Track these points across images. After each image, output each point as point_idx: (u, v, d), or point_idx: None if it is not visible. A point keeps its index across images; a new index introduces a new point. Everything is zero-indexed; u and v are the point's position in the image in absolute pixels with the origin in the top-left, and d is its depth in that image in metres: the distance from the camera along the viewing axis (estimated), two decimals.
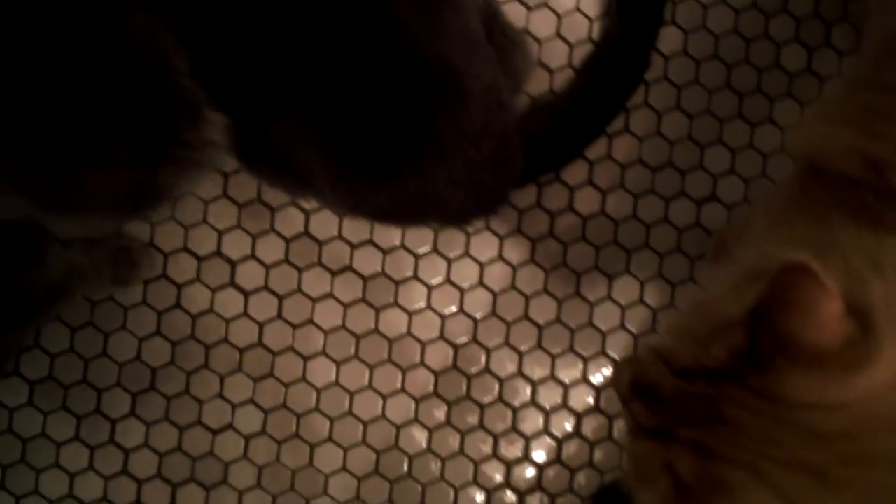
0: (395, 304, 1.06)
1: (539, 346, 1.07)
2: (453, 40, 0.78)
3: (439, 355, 1.06)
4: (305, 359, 1.06)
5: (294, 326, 1.05)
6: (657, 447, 0.58)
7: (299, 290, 1.04)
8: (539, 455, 1.08)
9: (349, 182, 0.82)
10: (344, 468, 1.07)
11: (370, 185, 0.81)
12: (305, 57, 0.74)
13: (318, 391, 1.06)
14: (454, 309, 1.06)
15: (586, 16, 1.07)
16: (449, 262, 1.06)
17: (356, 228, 1.04)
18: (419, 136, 0.79)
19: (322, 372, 1.06)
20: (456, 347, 1.06)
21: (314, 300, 1.05)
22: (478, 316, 1.07)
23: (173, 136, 0.70)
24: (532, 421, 1.08)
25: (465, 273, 1.06)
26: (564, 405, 1.08)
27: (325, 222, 1.04)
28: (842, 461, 0.52)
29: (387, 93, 0.77)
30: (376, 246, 1.05)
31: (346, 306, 1.05)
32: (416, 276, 1.06)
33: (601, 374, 1.08)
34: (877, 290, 0.55)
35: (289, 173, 0.83)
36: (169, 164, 0.72)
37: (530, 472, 1.08)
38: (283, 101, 0.76)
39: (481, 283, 1.06)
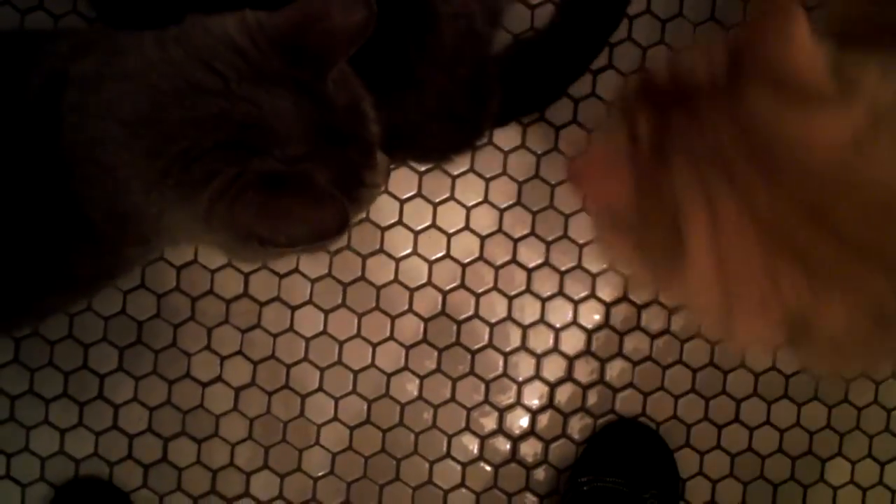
0: (381, 250, 1.05)
1: (528, 290, 1.06)
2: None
3: (427, 302, 1.05)
4: (293, 308, 1.05)
5: (280, 276, 1.04)
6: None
7: None
8: (532, 401, 1.06)
9: None
10: (335, 418, 1.06)
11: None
12: None
13: (307, 341, 1.05)
14: (441, 254, 1.05)
15: None
16: (434, 206, 1.04)
17: None
18: (386, 65, 0.78)
19: (310, 321, 1.05)
20: (444, 293, 1.05)
21: None
22: (465, 261, 1.05)
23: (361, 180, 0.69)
24: (524, 366, 1.06)
25: (451, 218, 1.05)
26: (556, 349, 1.06)
27: None
28: (770, 195, 0.53)
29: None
30: None
31: (331, 254, 1.04)
32: (401, 222, 1.04)
33: (592, 317, 1.06)
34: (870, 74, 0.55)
35: None
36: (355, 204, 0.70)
37: (523, 418, 1.06)
38: None
39: (468, 228, 1.05)
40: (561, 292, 1.06)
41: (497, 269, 1.06)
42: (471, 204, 1.05)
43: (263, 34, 0.63)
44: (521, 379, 1.06)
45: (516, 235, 1.06)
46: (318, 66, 0.64)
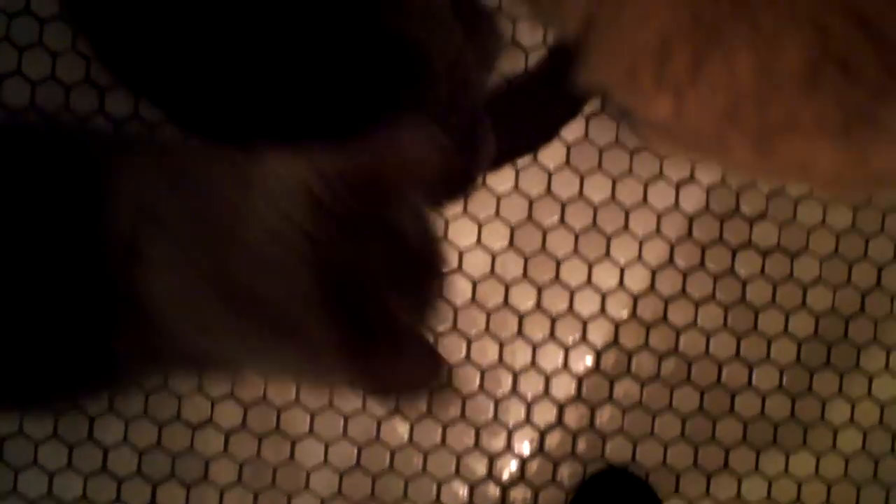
0: None
1: (520, 334, 1.06)
2: (416, 15, 0.77)
3: None
4: None
5: None
6: None
7: None
8: (522, 447, 1.06)
9: None
10: (325, 463, 1.05)
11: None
12: (269, 24, 0.73)
13: (298, 385, 1.05)
14: None
15: None
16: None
17: None
18: (382, 117, 0.78)
19: None
20: (436, 336, 1.05)
21: None
22: (458, 304, 1.05)
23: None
24: (514, 412, 1.06)
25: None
26: (546, 395, 1.06)
27: None
28: None
29: (348, 69, 0.76)
30: None
31: None
32: None
33: (583, 362, 1.06)
34: None
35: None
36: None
37: (513, 464, 1.06)
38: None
39: (460, 270, 1.05)
40: (552, 336, 1.06)
41: (489, 313, 1.06)
42: (464, 246, 1.05)
43: (339, 181, 0.63)
44: (511, 425, 1.06)
45: (508, 279, 1.06)
46: (395, 203, 0.65)
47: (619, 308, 1.07)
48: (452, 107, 0.82)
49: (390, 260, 0.65)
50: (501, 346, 1.06)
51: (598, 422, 1.06)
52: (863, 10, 0.58)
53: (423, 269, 0.68)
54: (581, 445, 1.06)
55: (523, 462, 1.07)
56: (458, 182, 0.90)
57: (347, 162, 0.64)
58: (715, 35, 0.60)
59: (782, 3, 0.59)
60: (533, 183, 1.05)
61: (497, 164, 0.99)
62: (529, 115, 1.00)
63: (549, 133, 1.02)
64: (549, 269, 1.06)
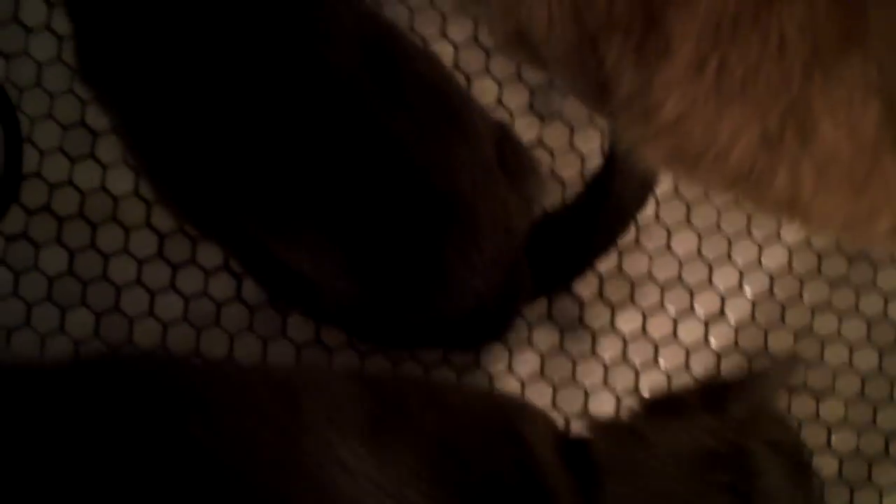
0: None
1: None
2: (465, 172, 0.79)
3: None
4: None
5: None
6: None
7: None
8: None
9: (352, 308, 0.83)
10: None
11: (374, 313, 0.82)
12: (319, 184, 0.75)
13: None
14: None
15: (599, 129, 1.08)
16: (458, 373, 1.06)
17: None
18: (426, 271, 0.80)
19: None
20: None
21: None
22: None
23: None
24: None
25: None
26: None
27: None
28: None
29: (396, 225, 0.77)
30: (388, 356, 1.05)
31: None
32: None
33: None
34: None
35: (296, 289, 0.84)
36: None
37: None
38: (297, 222, 0.77)
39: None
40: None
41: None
42: (495, 372, 1.06)
43: None
44: None
45: (596, 327, 1.07)
46: None
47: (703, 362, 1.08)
48: (495, 262, 0.83)
49: None
50: None
51: None
52: None
53: None
54: None
55: None
56: (496, 328, 0.92)
57: None
58: None
59: None
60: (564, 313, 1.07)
61: (532, 299, 1.00)
62: (566, 248, 1.02)
63: (583, 266, 1.04)
64: (578, 400, 1.07)
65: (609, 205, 1.06)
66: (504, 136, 0.89)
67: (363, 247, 0.76)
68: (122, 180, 1.05)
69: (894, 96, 0.56)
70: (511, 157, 0.87)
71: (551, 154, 1.08)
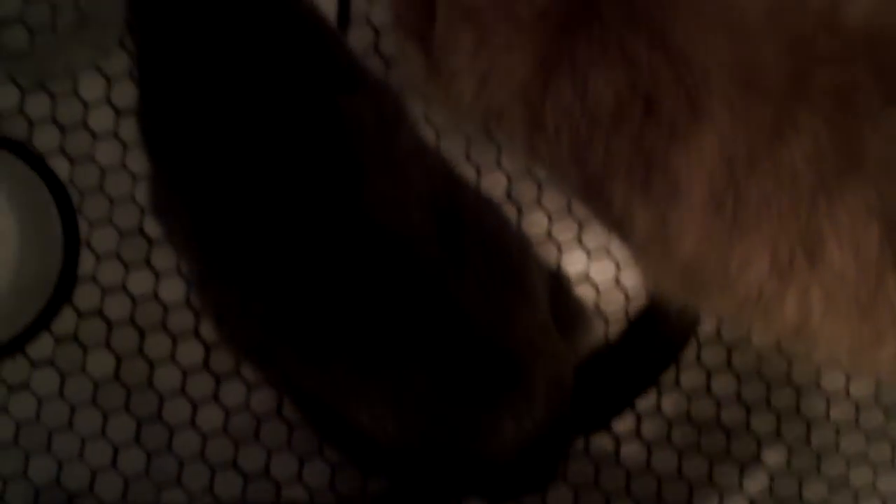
0: None
1: None
2: (524, 334, 0.80)
3: None
4: None
5: None
6: None
7: None
8: None
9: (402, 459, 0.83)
10: None
11: (422, 463, 0.83)
12: (384, 344, 0.76)
13: None
14: None
15: None
16: None
17: None
18: (478, 432, 0.81)
19: None
20: None
21: None
22: None
23: None
24: None
25: None
26: None
27: None
28: None
29: (455, 383, 0.78)
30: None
31: None
32: None
33: None
34: None
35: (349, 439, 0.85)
36: None
37: None
38: (360, 380, 0.78)
39: None
40: None
41: None
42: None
43: None
44: None
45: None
46: None
47: None
48: (545, 422, 0.84)
49: None
50: None
51: None
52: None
53: None
54: None
55: None
56: (542, 479, 0.92)
57: None
58: None
59: None
60: (600, 450, 1.07)
61: (572, 438, 1.01)
62: (608, 387, 1.02)
63: (624, 405, 1.04)
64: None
65: (652, 345, 1.07)
66: (558, 287, 0.90)
67: (423, 402, 0.77)
68: (173, 289, 1.07)
69: (892, 216, 0.58)
70: (565, 310, 0.89)
71: (597, 290, 1.09)
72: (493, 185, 1.09)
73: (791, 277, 0.61)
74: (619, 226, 0.72)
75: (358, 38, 1.10)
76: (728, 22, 0.60)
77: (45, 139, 1.08)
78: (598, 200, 0.71)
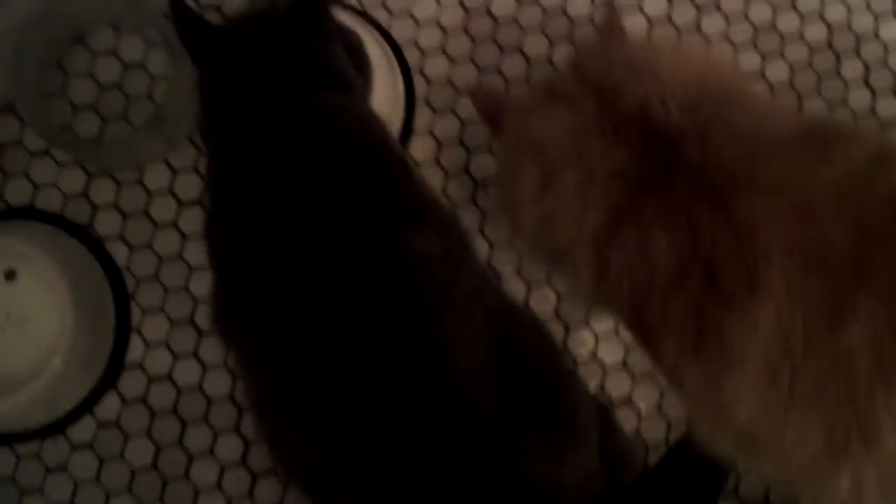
0: None
1: None
2: (573, 475, 0.79)
3: None
4: None
5: None
6: None
7: None
8: None
9: None
10: None
11: None
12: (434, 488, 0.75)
13: None
14: None
15: None
16: None
17: None
18: None
19: None
20: None
21: None
22: None
23: None
24: None
25: None
26: None
27: None
28: None
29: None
30: None
31: None
32: None
33: None
34: None
35: None
36: None
37: None
38: None
39: None
40: None
41: None
42: None
43: None
44: None
45: None
46: None
47: None
48: None
49: None
50: None
51: None
52: None
53: None
54: None
55: None
56: None
57: None
58: None
59: None
60: None
61: None
62: None
63: None
64: None
65: (691, 477, 1.06)
66: (607, 423, 0.90)
67: None
68: (219, 382, 1.07)
69: None
70: (613, 447, 0.88)
71: (639, 415, 1.09)
72: (542, 301, 1.10)
73: (846, 457, 0.61)
74: (671, 377, 0.72)
75: (421, 149, 1.12)
76: (795, 201, 0.62)
77: (106, 224, 1.09)
78: (653, 350, 0.71)
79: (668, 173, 0.66)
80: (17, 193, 1.10)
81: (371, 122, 0.85)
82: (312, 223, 0.76)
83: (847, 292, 0.59)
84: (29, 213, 1.10)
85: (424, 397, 0.71)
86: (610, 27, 0.81)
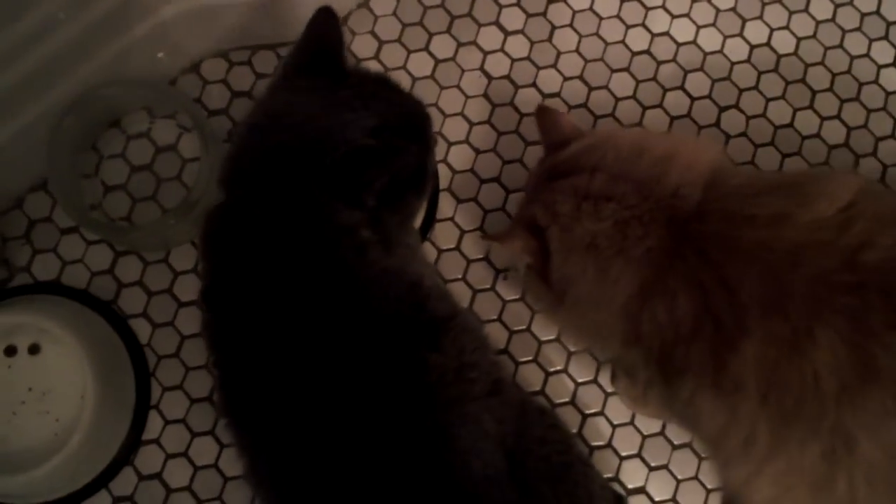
0: None
1: None
2: None
3: None
4: None
5: None
6: None
7: None
8: None
9: None
10: None
11: None
12: None
13: None
14: None
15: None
16: None
17: None
18: None
19: None
20: None
21: None
22: None
23: None
24: None
25: None
26: None
27: None
28: None
29: None
30: None
31: None
32: None
33: None
34: None
35: None
36: None
37: None
38: None
39: None
40: None
41: None
42: None
43: None
44: None
45: None
46: None
47: None
48: None
49: None
50: None
51: None
52: None
53: None
54: None
55: None
56: None
57: None
58: None
59: None
60: None
61: None
62: None
63: None
64: None
65: None
66: None
67: None
68: (236, 463, 1.07)
69: None
70: None
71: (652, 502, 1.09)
72: (560, 389, 1.10)
73: (837, 463, 0.72)
74: (684, 412, 0.85)
75: (443, 239, 1.14)
76: (763, 260, 0.75)
77: (130, 301, 1.11)
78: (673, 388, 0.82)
79: (682, 248, 0.79)
80: (45, 269, 1.12)
81: None
82: (324, 335, 0.76)
83: (806, 328, 0.72)
84: (55, 289, 1.12)
85: None
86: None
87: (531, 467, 0.77)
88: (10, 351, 1.04)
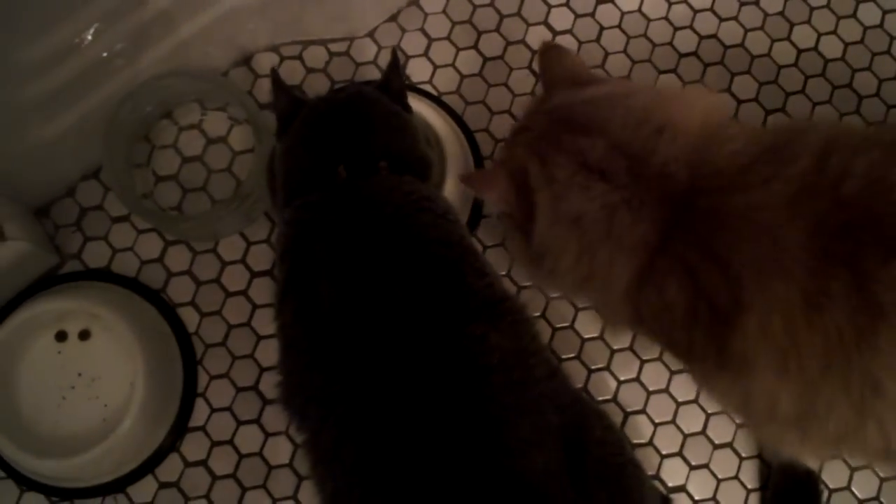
0: None
1: None
2: None
3: None
4: None
5: None
6: None
7: None
8: None
9: None
10: None
11: None
12: None
13: None
14: None
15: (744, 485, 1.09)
16: None
17: None
18: None
19: None
20: None
21: None
22: None
23: None
24: None
25: None
26: None
27: None
28: None
29: None
30: None
31: None
32: None
33: None
34: None
35: None
36: None
37: None
38: None
39: None
40: None
41: None
42: None
43: None
44: None
45: None
46: None
47: None
48: None
49: None
50: None
51: None
52: None
53: None
54: None
55: None
56: None
57: None
58: None
59: None
60: None
61: None
62: None
63: None
64: None
65: None
66: None
67: None
68: (280, 450, 1.09)
69: None
70: None
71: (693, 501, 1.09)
72: (602, 386, 1.11)
73: (866, 410, 0.70)
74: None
75: (488, 234, 1.15)
76: (754, 224, 0.72)
77: (179, 290, 1.13)
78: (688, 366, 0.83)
79: (671, 229, 0.76)
80: (96, 256, 1.14)
81: (447, 213, 0.86)
82: (386, 313, 0.76)
83: (819, 284, 0.69)
84: (105, 276, 1.14)
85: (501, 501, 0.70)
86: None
87: (589, 468, 0.76)
88: (61, 336, 1.06)
